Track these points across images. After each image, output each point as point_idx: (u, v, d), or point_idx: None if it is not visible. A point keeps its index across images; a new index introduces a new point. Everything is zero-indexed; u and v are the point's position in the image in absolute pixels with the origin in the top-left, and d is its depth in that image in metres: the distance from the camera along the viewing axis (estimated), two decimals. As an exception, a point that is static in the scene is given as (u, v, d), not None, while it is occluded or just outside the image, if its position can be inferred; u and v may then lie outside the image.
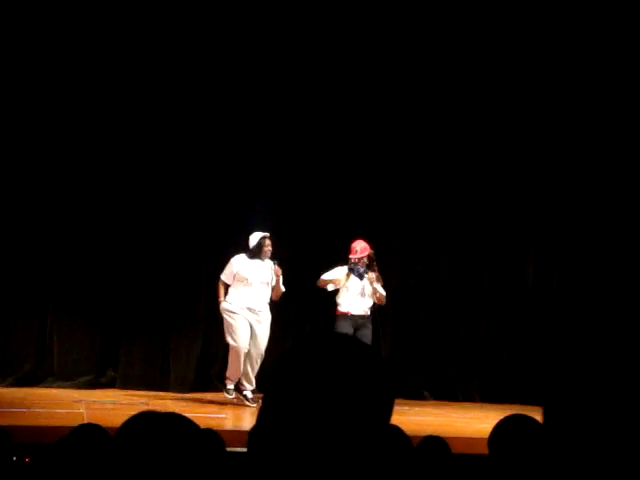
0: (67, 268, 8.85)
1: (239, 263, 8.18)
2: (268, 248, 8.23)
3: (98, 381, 8.85)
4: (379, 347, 8.64)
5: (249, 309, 8.06)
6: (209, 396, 8.62)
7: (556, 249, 9.93)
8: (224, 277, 8.23)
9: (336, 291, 8.50)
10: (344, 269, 8.47)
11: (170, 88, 9.10)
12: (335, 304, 8.50)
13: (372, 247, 8.49)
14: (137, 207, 9.04)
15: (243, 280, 8.11)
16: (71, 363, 8.81)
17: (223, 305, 8.13)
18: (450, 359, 9.67)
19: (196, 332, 9.12)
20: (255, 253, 8.18)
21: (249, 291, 8.12)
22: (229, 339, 8.05)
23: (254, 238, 8.23)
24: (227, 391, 8.07)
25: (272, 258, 8.22)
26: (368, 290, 8.43)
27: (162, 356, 9.07)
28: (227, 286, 8.19)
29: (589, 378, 1.53)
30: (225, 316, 8.10)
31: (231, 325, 8.03)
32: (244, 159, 9.33)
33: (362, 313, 8.41)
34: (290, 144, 9.45)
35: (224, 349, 8.90)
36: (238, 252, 8.20)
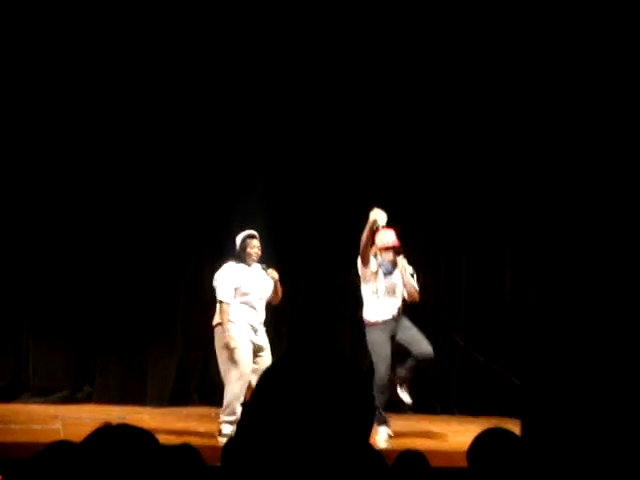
0: (42, 283, 8.74)
1: (234, 274, 6.94)
2: (254, 250, 7.00)
3: (74, 396, 8.74)
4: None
5: (252, 327, 6.93)
6: (186, 410, 8.54)
7: (533, 260, 9.68)
8: (225, 297, 6.88)
9: (357, 294, 7.48)
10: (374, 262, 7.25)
11: (146, 81, 8.91)
12: (360, 310, 7.43)
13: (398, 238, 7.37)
14: (110, 220, 8.93)
15: (245, 294, 6.95)
16: (47, 378, 8.69)
17: (226, 328, 6.82)
18: (428, 371, 9.58)
19: (173, 345, 9.02)
20: (240, 257, 6.99)
21: (250, 306, 6.97)
22: (232, 372, 6.76)
23: (238, 239, 7.10)
24: (222, 435, 6.64)
25: (260, 262, 7.10)
26: (399, 287, 7.29)
27: (139, 370, 8.97)
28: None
29: (567, 392, 1.53)
30: (226, 338, 6.80)
31: (235, 354, 6.76)
32: (224, 155, 9.12)
33: (392, 317, 7.24)
34: (285, 132, 9.19)
35: (203, 362, 8.91)
36: (217, 261, 7.43)
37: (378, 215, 7.08)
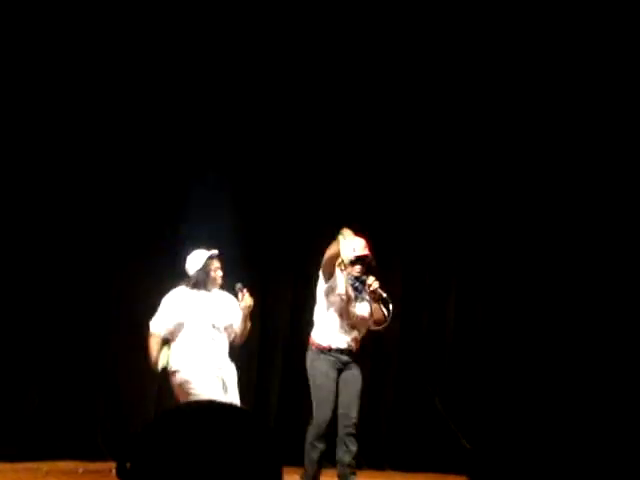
0: None
1: (184, 300, 5.98)
2: (217, 273, 6.07)
3: None
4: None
5: (216, 367, 6.00)
6: (46, 466, 7.35)
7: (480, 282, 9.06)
8: (156, 327, 5.98)
9: (308, 317, 6.37)
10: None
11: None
12: (308, 333, 6.31)
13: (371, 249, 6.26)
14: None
15: (194, 327, 5.96)
16: None
17: (176, 372, 5.91)
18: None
19: (29, 382, 7.97)
20: (200, 282, 6.01)
21: (206, 343, 5.97)
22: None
23: (196, 260, 6.06)
24: None
25: (222, 288, 6.14)
26: (366, 316, 6.17)
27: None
28: (165, 341, 5.98)
29: (520, 448, 1.58)
30: (186, 386, 5.88)
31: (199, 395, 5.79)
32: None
33: (348, 347, 6.11)
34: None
35: (68, 404, 7.99)
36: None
37: (345, 231, 6.06)
